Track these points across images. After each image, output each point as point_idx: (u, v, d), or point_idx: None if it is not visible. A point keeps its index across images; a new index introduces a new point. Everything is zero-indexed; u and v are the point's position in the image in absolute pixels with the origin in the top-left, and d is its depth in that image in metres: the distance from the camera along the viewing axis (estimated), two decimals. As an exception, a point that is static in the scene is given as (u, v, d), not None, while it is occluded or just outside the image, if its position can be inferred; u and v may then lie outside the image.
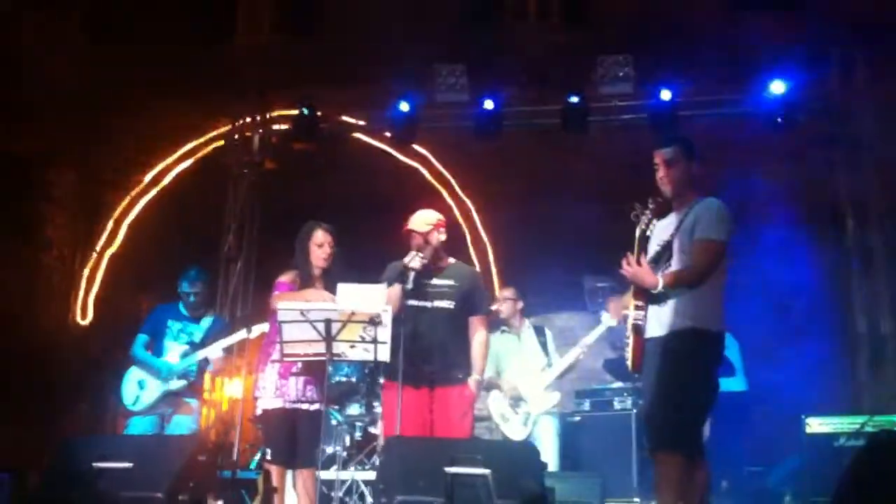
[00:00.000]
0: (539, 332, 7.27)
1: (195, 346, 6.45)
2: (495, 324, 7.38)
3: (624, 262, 4.49)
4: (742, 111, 8.57)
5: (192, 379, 6.45)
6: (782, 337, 7.93)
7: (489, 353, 7.16)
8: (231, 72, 9.22)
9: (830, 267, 8.36)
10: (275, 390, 5.41)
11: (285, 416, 5.39)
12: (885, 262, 8.11)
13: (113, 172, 9.62)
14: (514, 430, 6.95)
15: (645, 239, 4.61)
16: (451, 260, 5.57)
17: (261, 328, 5.84)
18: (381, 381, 6.17)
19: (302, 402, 5.40)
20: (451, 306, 5.35)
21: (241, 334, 5.94)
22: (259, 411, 5.57)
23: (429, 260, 5.30)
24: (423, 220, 5.38)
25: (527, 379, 7.01)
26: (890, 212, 8.14)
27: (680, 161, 4.62)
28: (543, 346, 7.17)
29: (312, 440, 5.30)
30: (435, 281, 5.37)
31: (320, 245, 5.53)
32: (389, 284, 5.19)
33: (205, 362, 6.44)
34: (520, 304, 7.25)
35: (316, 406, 5.41)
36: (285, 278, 5.58)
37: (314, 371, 5.38)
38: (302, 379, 5.41)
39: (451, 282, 5.40)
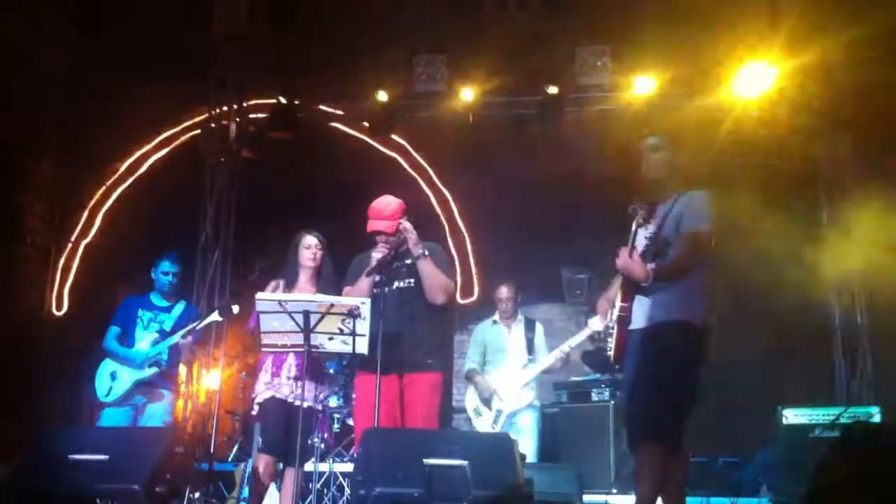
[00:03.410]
0: (530, 326, 7.31)
1: (165, 334, 6.43)
2: (489, 313, 7.44)
3: (621, 253, 4.49)
4: (719, 101, 8.54)
5: (164, 367, 6.43)
6: (756, 326, 7.94)
7: (477, 340, 7.29)
8: (208, 60, 9.16)
9: (806, 251, 8.34)
10: (266, 385, 5.45)
11: (281, 407, 5.42)
12: (860, 242, 8.06)
13: (90, 161, 9.53)
14: (485, 427, 7.03)
15: (638, 233, 4.61)
16: None
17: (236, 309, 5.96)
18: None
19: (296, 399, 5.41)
20: (412, 284, 5.28)
21: (213, 317, 5.97)
22: (256, 409, 5.59)
23: (400, 247, 5.26)
24: (388, 215, 5.26)
25: (504, 377, 7.10)
26: (865, 186, 8.10)
27: (665, 151, 4.63)
28: (530, 342, 7.21)
29: (300, 437, 5.28)
30: (394, 264, 5.29)
31: (308, 247, 5.69)
32: (368, 276, 5.16)
33: (176, 351, 6.43)
34: (518, 298, 7.40)
35: (308, 403, 5.39)
36: (267, 292, 5.58)
37: (309, 373, 5.34)
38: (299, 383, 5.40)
39: (408, 261, 5.29)
